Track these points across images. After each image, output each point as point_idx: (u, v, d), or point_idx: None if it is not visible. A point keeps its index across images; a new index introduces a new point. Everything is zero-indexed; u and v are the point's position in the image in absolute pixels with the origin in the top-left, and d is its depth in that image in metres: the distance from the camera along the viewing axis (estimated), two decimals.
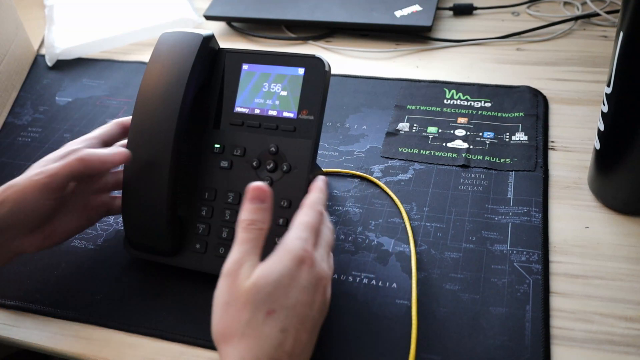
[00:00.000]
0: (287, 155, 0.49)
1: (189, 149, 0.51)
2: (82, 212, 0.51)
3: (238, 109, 0.51)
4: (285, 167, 0.49)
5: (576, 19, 0.81)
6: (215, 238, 0.50)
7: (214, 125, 0.51)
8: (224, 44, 0.86)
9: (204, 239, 0.50)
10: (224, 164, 0.50)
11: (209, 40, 0.51)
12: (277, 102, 0.50)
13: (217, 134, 0.51)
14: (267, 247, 0.41)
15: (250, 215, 0.41)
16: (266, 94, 0.51)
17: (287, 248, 0.40)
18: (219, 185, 0.50)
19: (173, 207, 0.49)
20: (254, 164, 0.50)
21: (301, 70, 0.50)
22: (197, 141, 0.51)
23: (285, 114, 0.50)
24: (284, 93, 0.50)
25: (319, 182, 0.46)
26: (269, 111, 0.50)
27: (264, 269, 0.39)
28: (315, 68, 0.49)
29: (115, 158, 0.48)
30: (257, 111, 0.51)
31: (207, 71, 0.52)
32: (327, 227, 0.45)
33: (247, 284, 0.38)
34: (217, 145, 0.51)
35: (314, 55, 0.50)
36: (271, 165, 0.49)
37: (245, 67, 0.52)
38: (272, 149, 0.49)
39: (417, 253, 0.52)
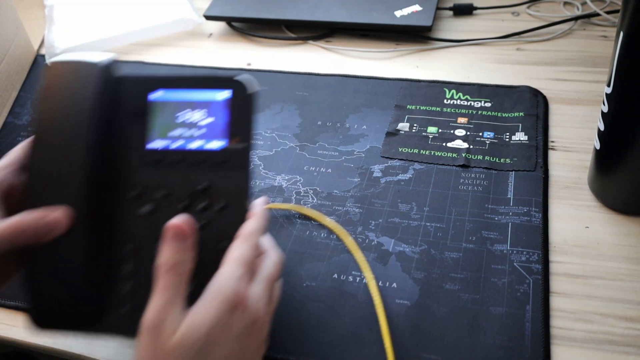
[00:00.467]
0: (221, 190, 0.42)
1: (101, 197, 0.43)
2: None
3: (153, 145, 0.43)
4: (220, 205, 0.42)
5: (576, 19, 0.81)
6: (145, 297, 0.39)
7: (128, 167, 0.43)
8: (224, 44, 0.86)
9: (131, 300, 0.42)
10: (146, 209, 0.42)
11: (108, 68, 0.44)
12: (201, 132, 0.43)
13: (132, 177, 0.43)
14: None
15: (170, 257, 0.36)
16: (186, 123, 0.43)
17: (218, 290, 0.36)
18: (143, 235, 0.42)
19: (93, 266, 0.41)
20: (183, 205, 0.42)
21: (225, 94, 0.43)
22: (110, 188, 0.43)
23: (213, 145, 0.43)
24: (207, 121, 0.43)
25: (256, 207, 0.42)
26: (193, 143, 0.43)
27: (192, 320, 0.35)
28: (241, 90, 0.43)
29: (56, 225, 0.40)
30: (178, 145, 0.43)
31: (111, 105, 0.44)
32: (270, 258, 0.42)
33: (174, 340, 0.34)
34: (134, 189, 0.43)
35: (236, 76, 0.44)
36: (203, 204, 0.42)
37: (155, 95, 0.44)
38: (203, 185, 0.42)
39: (367, 261, 0.52)
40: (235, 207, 0.42)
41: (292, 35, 0.85)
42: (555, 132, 0.64)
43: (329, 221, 0.55)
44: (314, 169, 0.62)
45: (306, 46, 0.82)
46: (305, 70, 0.77)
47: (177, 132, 0.43)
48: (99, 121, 0.42)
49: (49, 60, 0.81)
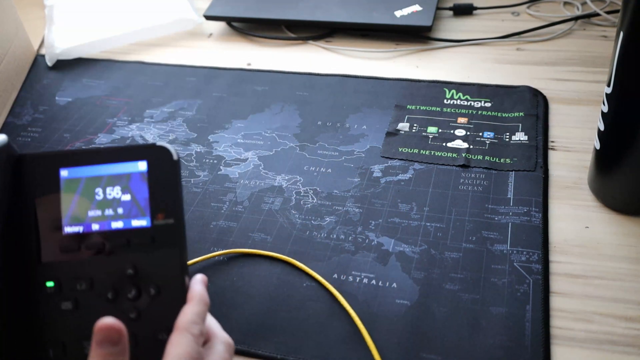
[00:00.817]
0: (151, 274, 0.38)
1: (10, 295, 0.37)
2: None
3: (68, 230, 0.38)
4: (152, 291, 0.37)
5: (576, 19, 0.81)
6: None
7: (38, 259, 0.38)
8: (224, 44, 0.86)
9: None
10: (66, 305, 0.37)
11: (3, 149, 0.38)
12: (120, 210, 0.38)
13: (45, 270, 0.38)
14: None
15: None
16: (102, 202, 0.38)
17: None
18: (66, 336, 0.37)
19: None
20: (109, 296, 0.37)
21: (142, 165, 0.39)
22: (19, 284, 0.38)
23: (136, 223, 0.38)
24: (126, 197, 0.38)
25: (195, 287, 0.37)
26: (113, 224, 0.38)
27: None
28: (161, 159, 0.39)
29: None
30: (95, 227, 0.38)
31: (10, 190, 0.38)
32: (218, 346, 0.37)
33: None
34: (49, 284, 0.38)
35: (154, 143, 0.39)
36: (133, 292, 0.37)
37: (64, 172, 0.39)
38: (129, 271, 0.38)
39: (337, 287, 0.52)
40: (170, 291, 0.37)
41: (292, 35, 0.85)
42: (555, 132, 0.64)
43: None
44: (314, 169, 0.62)
45: (306, 46, 0.82)
46: (305, 70, 0.77)
47: (94, 212, 0.38)
48: (1, 212, 0.37)
49: (48, 61, 0.81)
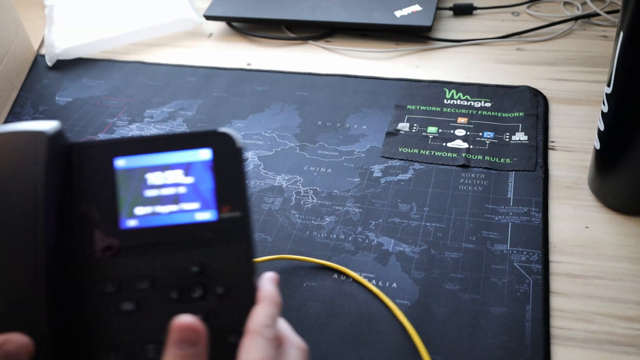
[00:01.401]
0: (218, 272, 0.35)
1: (67, 298, 0.34)
2: None
3: (126, 225, 0.35)
4: (219, 290, 0.34)
5: (576, 19, 0.81)
6: None
7: (94, 256, 0.35)
8: (224, 44, 0.86)
9: None
10: (127, 306, 0.34)
11: (58, 137, 0.35)
12: (182, 204, 0.35)
13: (103, 267, 0.35)
14: None
15: None
16: (163, 194, 0.35)
17: None
18: (128, 338, 0.34)
19: None
20: (173, 295, 0.34)
21: (206, 153, 0.35)
22: (74, 283, 0.35)
23: (200, 217, 0.35)
24: (189, 189, 0.35)
25: (265, 287, 0.34)
26: (175, 217, 0.35)
27: None
28: (224, 146, 0.35)
29: None
30: (155, 222, 0.35)
31: (63, 182, 0.35)
32: (292, 350, 0.34)
33: None
34: (107, 283, 0.35)
35: (216, 130, 0.36)
36: (199, 291, 0.34)
37: (120, 162, 0.35)
38: (195, 268, 0.35)
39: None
40: (238, 290, 0.34)
41: (292, 35, 0.85)
42: (555, 132, 0.64)
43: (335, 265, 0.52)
44: (314, 169, 0.62)
45: (306, 46, 0.82)
46: (305, 70, 0.77)
47: (156, 205, 0.35)
48: (55, 206, 0.34)
49: (48, 61, 0.81)
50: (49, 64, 0.82)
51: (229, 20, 0.87)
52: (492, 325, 0.46)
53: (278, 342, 0.33)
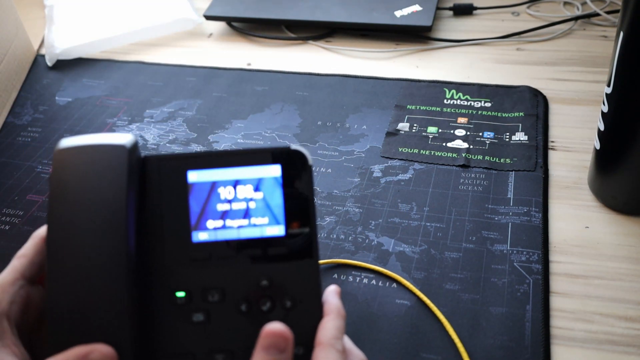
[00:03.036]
0: (286, 286, 0.36)
1: (144, 309, 0.36)
2: None
3: (198, 237, 0.36)
4: (288, 303, 0.35)
5: (576, 19, 0.81)
6: None
7: (167, 265, 0.36)
8: (224, 44, 0.86)
9: None
10: (198, 317, 0.35)
11: (134, 149, 0.36)
12: (253, 217, 0.36)
13: (175, 277, 0.36)
14: None
15: None
16: (234, 208, 0.36)
17: None
18: (198, 347, 0.35)
19: None
20: (243, 308, 0.35)
21: (276, 170, 0.36)
22: (149, 293, 0.36)
23: (270, 232, 0.36)
24: (259, 204, 0.36)
25: (331, 300, 0.36)
26: (245, 231, 0.36)
27: None
28: (295, 163, 0.36)
29: None
30: (226, 235, 0.36)
31: (143, 195, 0.36)
32: (356, 359, 0.36)
33: None
34: (179, 294, 0.35)
35: (289, 147, 0.36)
36: (267, 304, 0.35)
37: (192, 175, 0.36)
38: (264, 282, 0.35)
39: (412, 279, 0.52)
40: (306, 304, 0.35)
41: (292, 35, 0.85)
42: (555, 132, 0.64)
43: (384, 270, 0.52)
44: (314, 168, 0.62)
45: (306, 46, 0.82)
46: (305, 70, 0.77)
47: (224, 218, 0.36)
48: (134, 216, 0.35)
49: (48, 61, 0.81)
50: (49, 64, 0.82)
51: (229, 20, 0.87)
52: (492, 325, 0.46)
53: (346, 355, 0.34)
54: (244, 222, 0.36)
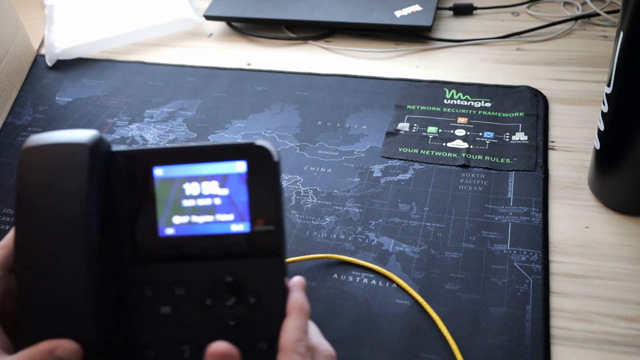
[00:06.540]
0: (250, 283, 0.36)
1: (110, 302, 0.36)
2: None
3: (164, 233, 0.36)
4: (251, 300, 0.36)
5: (576, 19, 0.81)
6: None
7: (134, 261, 0.36)
8: (224, 44, 0.86)
9: None
10: (165, 309, 0.36)
11: (97, 145, 0.35)
12: (217, 215, 0.36)
13: (142, 272, 0.36)
14: None
15: None
16: (199, 204, 0.36)
17: None
18: (166, 339, 0.36)
19: None
20: (208, 302, 0.36)
21: (241, 166, 0.36)
22: (116, 285, 0.36)
23: (234, 228, 0.36)
24: (224, 200, 0.36)
25: (294, 295, 0.35)
26: (210, 228, 0.36)
27: None
28: (261, 159, 0.36)
29: None
30: (192, 231, 0.36)
31: (104, 190, 0.36)
32: (323, 356, 0.36)
33: None
34: (146, 288, 0.36)
35: (254, 142, 0.36)
36: (231, 300, 0.36)
37: (158, 171, 0.36)
38: (228, 278, 0.36)
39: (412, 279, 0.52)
40: (269, 300, 0.36)
41: (292, 35, 0.85)
42: (555, 132, 0.64)
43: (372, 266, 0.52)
44: (314, 169, 0.62)
45: (306, 46, 0.82)
46: (305, 70, 0.77)
47: (190, 215, 0.36)
48: (97, 205, 0.35)
49: (48, 61, 0.81)
50: (49, 64, 0.82)
51: (229, 20, 0.87)
52: (492, 325, 0.46)
53: (311, 352, 0.34)
54: (210, 218, 0.36)
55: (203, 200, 0.36)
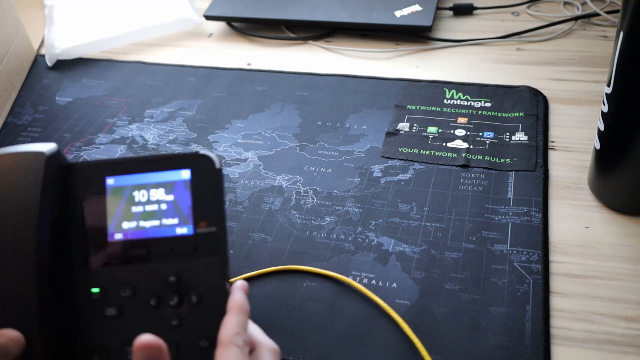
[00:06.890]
0: (193, 282, 0.38)
1: (57, 302, 0.38)
2: None
3: (113, 238, 0.39)
4: (193, 299, 0.38)
5: (576, 19, 0.81)
6: None
7: (84, 264, 0.39)
8: (224, 44, 0.86)
9: None
10: (111, 311, 0.38)
11: (55, 157, 0.39)
12: (164, 218, 0.39)
13: (91, 275, 0.38)
14: None
15: None
16: (147, 210, 0.39)
17: None
18: (110, 341, 0.38)
19: None
20: (152, 302, 0.38)
21: (186, 173, 0.39)
22: (66, 289, 0.38)
23: (179, 231, 0.38)
24: (170, 205, 0.39)
25: (235, 296, 0.37)
26: (156, 231, 0.39)
27: None
28: (204, 167, 0.39)
29: None
30: (139, 235, 0.39)
31: (60, 198, 0.39)
32: (266, 350, 0.37)
33: None
34: (94, 290, 0.38)
35: (198, 152, 0.39)
36: (175, 299, 0.37)
37: (110, 181, 0.39)
38: (172, 278, 0.38)
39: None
40: (211, 299, 0.38)
41: (292, 35, 0.85)
42: (555, 132, 0.64)
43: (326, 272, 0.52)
44: (314, 169, 0.62)
45: (306, 46, 0.82)
46: (305, 70, 0.77)
47: (138, 220, 0.39)
48: (50, 214, 0.38)
49: (48, 61, 0.81)
50: (49, 64, 0.82)
51: (229, 20, 0.87)
52: (492, 325, 0.46)
53: (250, 347, 0.36)
54: (156, 222, 0.39)
55: (150, 206, 0.39)
